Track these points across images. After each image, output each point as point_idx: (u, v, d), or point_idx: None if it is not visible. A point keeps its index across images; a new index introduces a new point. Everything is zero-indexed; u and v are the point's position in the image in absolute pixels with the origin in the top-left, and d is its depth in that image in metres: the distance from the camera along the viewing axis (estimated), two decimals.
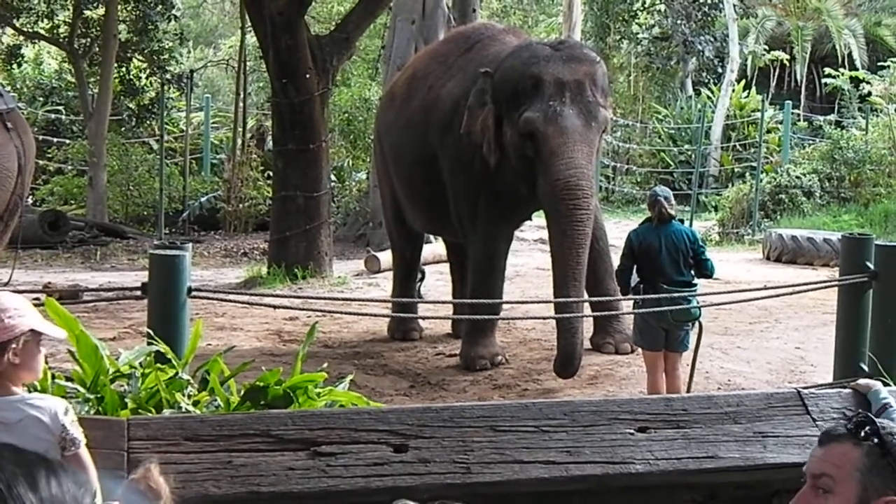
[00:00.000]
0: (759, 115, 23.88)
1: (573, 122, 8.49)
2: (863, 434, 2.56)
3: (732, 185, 23.31)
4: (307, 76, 14.00)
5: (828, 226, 18.54)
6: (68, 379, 4.70)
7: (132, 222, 20.94)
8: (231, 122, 24.83)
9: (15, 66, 24.25)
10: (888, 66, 25.23)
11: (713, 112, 27.36)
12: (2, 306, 3.34)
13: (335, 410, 4.34)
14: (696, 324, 8.04)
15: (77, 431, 3.26)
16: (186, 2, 36.10)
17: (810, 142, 25.55)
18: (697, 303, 8.01)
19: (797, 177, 20.73)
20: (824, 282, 10.17)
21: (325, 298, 10.74)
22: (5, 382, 3.31)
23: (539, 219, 9.69)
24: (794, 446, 4.00)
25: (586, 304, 9.26)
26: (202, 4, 37.53)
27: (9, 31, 23.48)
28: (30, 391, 3.47)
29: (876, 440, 2.55)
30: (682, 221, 8.28)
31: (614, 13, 31.01)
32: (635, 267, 7.99)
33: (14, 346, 3.35)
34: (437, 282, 13.44)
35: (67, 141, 22.86)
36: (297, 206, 14.30)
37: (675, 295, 7.72)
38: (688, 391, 7.92)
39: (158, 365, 4.74)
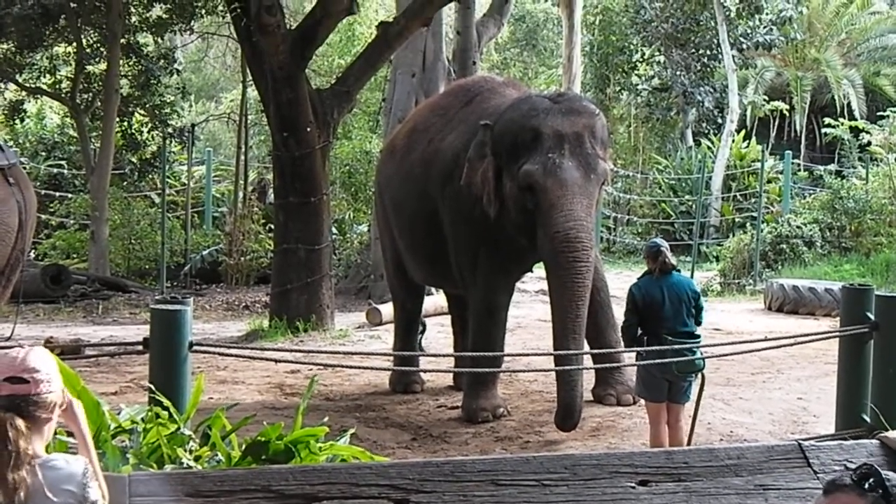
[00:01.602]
0: (759, 165, 23.96)
1: (572, 175, 8.50)
2: (867, 485, 2.56)
3: (733, 235, 23.35)
4: (308, 129, 14.05)
5: (829, 276, 18.52)
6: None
7: (134, 276, 20.96)
8: (232, 176, 24.92)
9: (17, 121, 24.34)
10: (887, 116, 25.30)
11: (713, 162, 27.46)
12: (52, 364, 3.38)
13: (336, 465, 4.34)
14: (699, 375, 8.02)
15: (94, 492, 3.28)
16: (188, 56, 36.31)
17: (811, 191, 25.59)
18: (701, 354, 8.00)
19: (798, 227, 20.75)
20: (825, 332, 10.16)
21: (326, 352, 10.75)
22: (40, 441, 3.32)
23: (540, 270, 9.71)
24: (795, 499, 3.99)
25: (587, 357, 9.23)
26: (204, 59, 37.73)
27: (11, 86, 23.59)
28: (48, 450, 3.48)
29: (881, 491, 2.54)
30: (678, 271, 8.26)
31: (614, 65, 31.22)
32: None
33: (65, 402, 3.42)
34: (438, 334, 13.43)
35: (69, 195, 22.94)
36: (299, 259, 14.31)
37: (679, 346, 7.70)
38: (689, 443, 7.90)
39: (160, 420, 4.74)
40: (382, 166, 11.75)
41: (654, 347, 7.70)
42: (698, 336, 8.01)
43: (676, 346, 7.66)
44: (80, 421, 3.51)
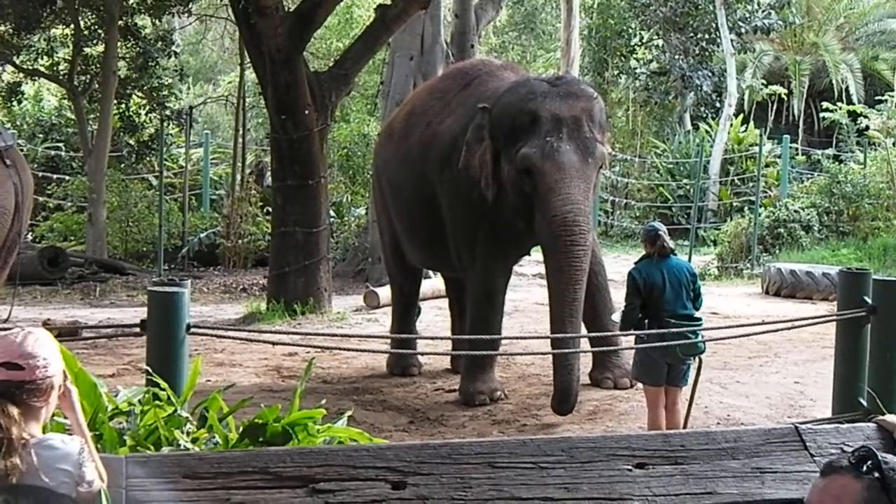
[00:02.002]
0: (757, 149, 23.94)
1: (570, 158, 8.49)
2: (865, 468, 2.56)
3: (731, 219, 23.33)
4: (306, 112, 14.04)
5: (826, 260, 18.53)
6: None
7: (132, 258, 20.94)
8: (230, 158, 24.88)
9: (15, 103, 24.26)
10: (885, 101, 25.28)
11: (711, 146, 27.41)
12: (52, 347, 3.37)
13: (333, 447, 4.33)
14: (697, 358, 8.01)
15: (91, 472, 3.27)
16: (186, 38, 36.22)
17: (809, 176, 25.60)
18: (702, 337, 7.99)
19: (796, 211, 20.74)
20: (822, 316, 10.17)
21: (324, 334, 10.74)
22: (36, 424, 3.32)
23: (538, 254, 9.72)
24: (791, 482, 3.99)
25: (584, 340, 9.23)
26: (202, 41, 37.62)
27: (9, 68, 23.53)
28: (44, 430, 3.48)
29: (877, 474, 2.54)
30: (676, 255, 8.25)
31: (612, 48, 31.15)
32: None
33: (63, 386, 3.42)
34: (435, 317, 13.44)
35: (67, 177, 22.86)
36: (296, 242, 14.31)
37: (682, 329, 7.69)
38: (685, 426, 7.90)
39: (157, 402, 4.73)
40: (380, 149, 11.73)
41: (654, 331, 7.70)
42: (699, 319, 8.01)
43: (679, 329, 7.66)
44: (76, 409, 3.51)
